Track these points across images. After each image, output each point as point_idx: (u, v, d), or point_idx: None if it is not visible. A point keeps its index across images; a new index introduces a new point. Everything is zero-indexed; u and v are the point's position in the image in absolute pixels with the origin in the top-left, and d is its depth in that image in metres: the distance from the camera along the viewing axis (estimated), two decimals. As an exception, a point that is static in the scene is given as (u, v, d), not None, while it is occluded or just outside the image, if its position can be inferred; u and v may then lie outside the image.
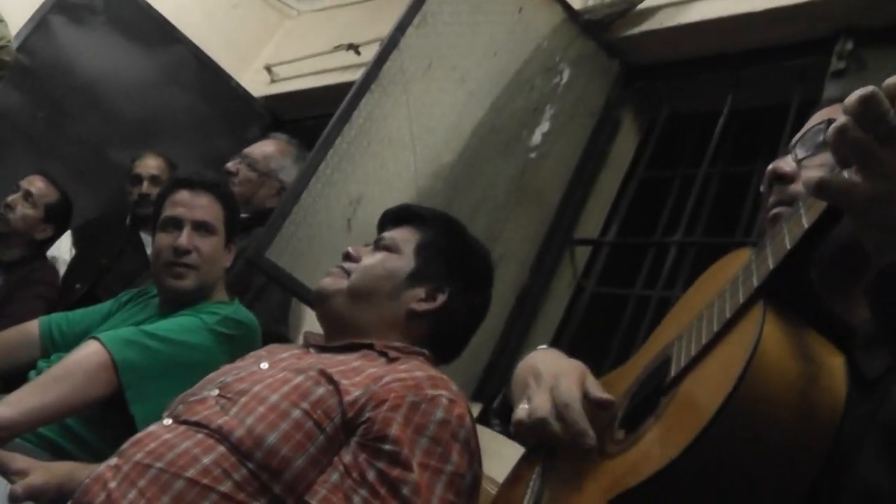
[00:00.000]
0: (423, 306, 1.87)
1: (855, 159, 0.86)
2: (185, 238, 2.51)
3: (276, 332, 2.92)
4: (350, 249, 1.96)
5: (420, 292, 1.88)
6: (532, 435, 1.21)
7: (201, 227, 2.54)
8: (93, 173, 4.66)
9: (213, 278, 2.59)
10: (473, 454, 1.60)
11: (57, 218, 3.97)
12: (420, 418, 1.54)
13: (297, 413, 1.57)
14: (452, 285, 1.91)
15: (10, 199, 3.87)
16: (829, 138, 0.86)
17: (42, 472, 1.82)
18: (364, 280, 1.88)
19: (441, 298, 1.89)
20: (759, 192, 1.32)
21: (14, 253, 3.87)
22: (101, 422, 2.28)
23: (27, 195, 3.88)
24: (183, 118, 5.00)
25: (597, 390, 1.20)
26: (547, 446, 1.23)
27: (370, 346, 1.78)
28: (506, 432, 1.29)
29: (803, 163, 1.24)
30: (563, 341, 3.32)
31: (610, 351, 3.05)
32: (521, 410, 1.23)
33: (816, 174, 0.89)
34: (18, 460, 1.83)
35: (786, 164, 1.25)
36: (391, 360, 1.72)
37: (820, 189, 0.88)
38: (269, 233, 2.71)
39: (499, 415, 1.47)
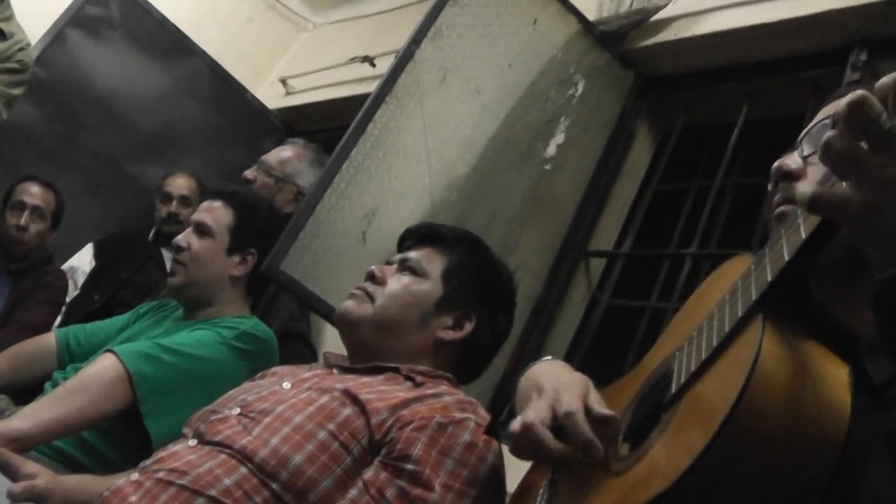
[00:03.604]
0: (451, 335, 1.86)
1: (847, 171, 0.82)
2: (182, 236, 2.59)
3: (294, 330, 2.92)
4: (375, 270, 1.92)
5: (447, 320, 1.86)
6: (531, 450, 1.18)
7: (199, 228, 2.59)
8: (109, 186, 4.69)
9: (206, 280, 2.57)
10: (500, 480, 1.59)
11: (60, 218, 3.99)
12: (446, 440, 1.54)
13: (322, 434, 1.57)
14: (479, 311, 1.89)
15: (22, 221, 3.82)
16: (819, 153, 0.83)
17: (48, 478, 1.81)
18: (390, 309, 1.85)
19: (468, 326, 1.87)
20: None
21: (24, 262, 3.85)
22: (117, 435, 2.29)
23: (35, 210, 3.87)
24: (198, 131, 5.01)
25: (600, 406, 1.17)
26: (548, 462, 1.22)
27: (395, 370, 1.77)
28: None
29: (809, 159, 1.23)
30: (578, 353, 3.31)
31: (625, 363, 3.02)
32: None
33: (810, 187, 0.85)
34: (30, 465, 1.83)
35: (792, 161, 1.24)
36: (417, 385, 1.71)
37: (812, 205, 0.84)
38: (284, 244, 2.71)
39: (506, 427, 1.46)
